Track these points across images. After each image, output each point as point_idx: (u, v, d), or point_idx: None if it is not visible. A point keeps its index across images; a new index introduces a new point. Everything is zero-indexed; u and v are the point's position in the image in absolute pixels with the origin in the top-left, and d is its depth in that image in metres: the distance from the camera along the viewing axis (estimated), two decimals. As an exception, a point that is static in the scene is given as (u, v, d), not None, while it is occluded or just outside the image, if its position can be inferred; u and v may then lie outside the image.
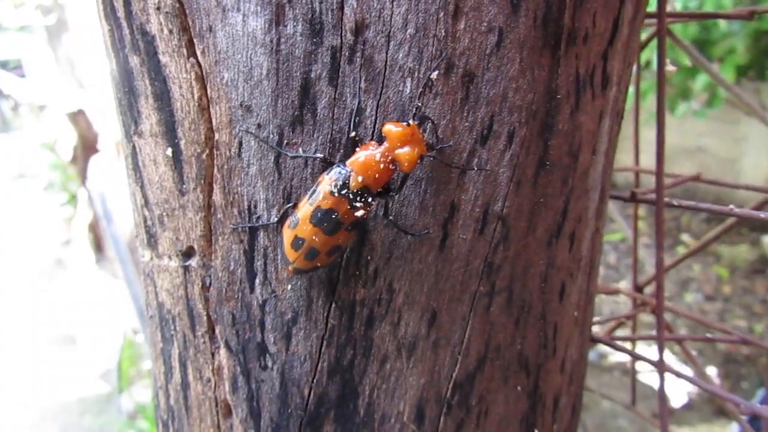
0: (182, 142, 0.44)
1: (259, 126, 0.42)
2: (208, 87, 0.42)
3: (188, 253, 0.47)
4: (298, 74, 0.40)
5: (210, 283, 0.46)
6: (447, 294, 0.46)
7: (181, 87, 0.42)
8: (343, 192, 0.41)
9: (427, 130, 0.42)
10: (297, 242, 0.42)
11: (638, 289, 0.92)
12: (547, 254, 0.49)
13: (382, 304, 0.46)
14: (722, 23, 2.63)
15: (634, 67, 0.84)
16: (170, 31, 0.42)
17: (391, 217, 0.43)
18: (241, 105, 0.41)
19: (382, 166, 0.42)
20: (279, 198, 0.43)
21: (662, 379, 0.67)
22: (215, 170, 0.43)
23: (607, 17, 0.44)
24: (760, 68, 3.09)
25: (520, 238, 0.47)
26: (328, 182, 0.42)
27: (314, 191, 0.42)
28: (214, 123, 0.42)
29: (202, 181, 0.44)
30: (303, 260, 0.43)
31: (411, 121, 0.41)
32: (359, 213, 0.42)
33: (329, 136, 0.42)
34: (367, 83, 0.40)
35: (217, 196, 0.44)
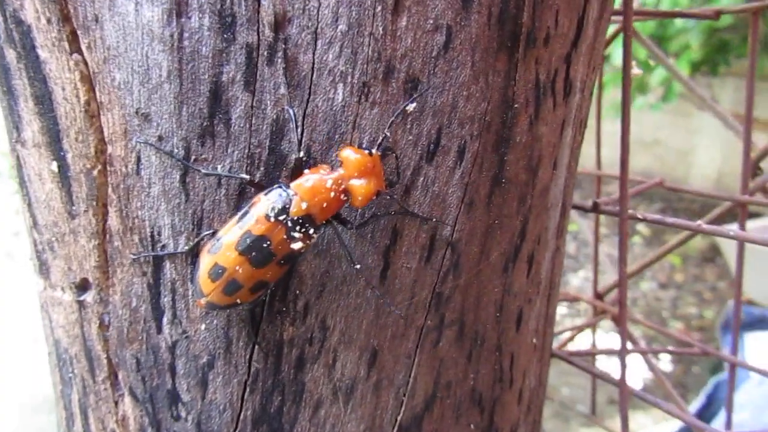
0: (69, 156, 0.36)
1: (160, 138, 0.34)
2: (96, 89, 0.34)
3: (83, 286, 0.39)
4: (207, 77, 0.33)
5: (109, 322, 0.39)
6: (389, 330, 0.40)
7: (64, 89, 0.35)
8: (281, 218, 0.35)
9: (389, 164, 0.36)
10: (216, 271, 0.36)
11: (599, 296, 0.88)
12: (502, 281, 0.44)
13: (314, 344, 0.39)
14: (678, 20, 2.66)
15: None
16: (48, 21, 0.34)
17: (354, 265, 0.38)
18: (137, 112, 0.34)
19: (332, 194, 0.36)
20: (187, 224, 0.36)
21: (624, 397, 0.63)
22: (110, 190, 0.36)
23: (570, 16, 0.38)
24: (712, 64, 3.14)
25: (472, 266, 0.42)
26: (264, 204, 0.35)
27: (246, 213, 0.35)
28: (105, 133, 0.35)
29: (95, 203, 0.36)
30: (220, 293, 0.36)
31: (374, 150, 0.35)
32: (296, 245, 0.36)
33: (246, 150, 0.35)
34: (290, 89, 0.34)
35: (114, 221, 0.37)
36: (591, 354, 0.72)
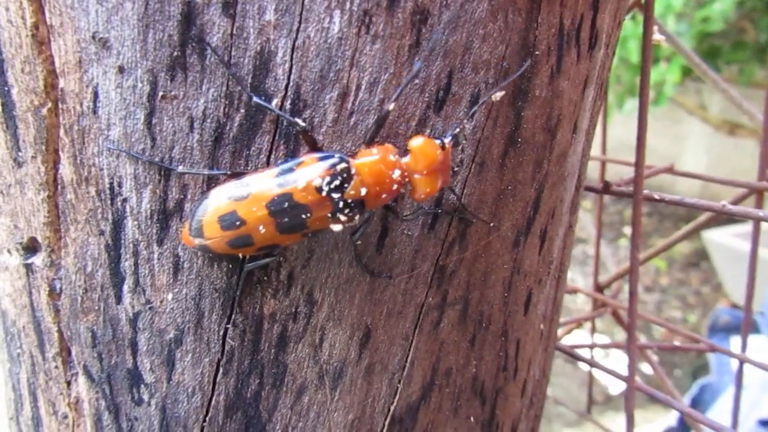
0: (14, 91, 0.31)
1: (121, 69, 0.29)
2: (46, 10, 0.29)
3: (31, 247, 0.34)
4: (178, -4, 0.28)
5: (61, 289, 0.34)
6: (385, 307, 0.35)
7: (8, 9, 0.29)
8: (335, 195, 0.30)
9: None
10: (231, 220, 0.30)
11: (599, 288, 0.84)
12: (512, 256, 0.39)
13: (299, 320, 0.34)
14: (670, 24, 2.64)
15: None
16: (-10, -76, 0.28)
17: (357, 241, 0.33)
18: (94, 38, 0.29)
19: (394, 186, 0.32)
20: (153, 174, 0.31)
21: (631, 394, 0.59)
22: (62, 132, 0.31)
23: (603, -50, 0.34)
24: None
25: (480, 236, 0.37)
26: (319, 172, 0.30)
27: (289, 170, 0.30)
28: (57, 64, 0.30)
29: (44, 148, 0.31)
30: (224, 244, 0.31)
31: (447, 142, 0.31)
32: (336, 227, 0.31)
33: (224, 88, 0.29)
34: (277, 15, 0.29)
35: (66, 170, 0.31)
36: (594, 347, 0.68)
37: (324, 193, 0.31)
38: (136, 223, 0.31)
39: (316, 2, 0.29)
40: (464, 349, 0.39)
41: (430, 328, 0.37)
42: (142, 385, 0.34)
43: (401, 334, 0.36)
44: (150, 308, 0.33)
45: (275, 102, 0.30)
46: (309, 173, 0.30)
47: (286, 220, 0.31)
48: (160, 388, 0.34)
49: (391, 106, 0.30)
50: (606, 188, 0.57)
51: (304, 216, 0.31)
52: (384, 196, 0.32)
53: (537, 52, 0.34)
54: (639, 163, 0.53)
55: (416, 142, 0.31)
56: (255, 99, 0.29)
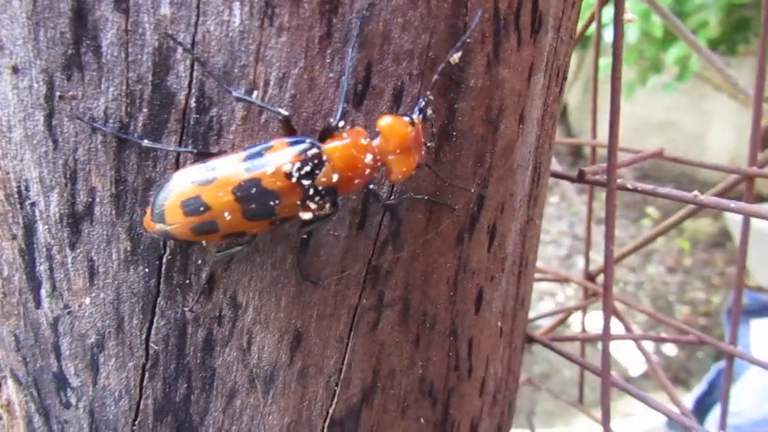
0: None
1: (15, 69, 0.28)
2: (-62, 8, 0.28)
3: (-49, 251, 0.33)
4: (68, -10, 0.27)
5: (-19, 293, 0.33)
6: (315, 309, 0.34)
7: None
8: (305, 182, 0.29)
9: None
10: (194, 205, 0.29)
11: (590, 277, 0.82)
12: (456, 254, 0.37)
13: (224, 324, 0.33)
14: (697, -5, 2.55)
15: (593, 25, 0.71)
16: None
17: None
18: (-15, 36, 0.28)
19: (367, 171, 0.30)
20: (58, 177, 0.30)
21: (607, 389, 0.57)
22: (-34, 134, 0.30)
23: (536, -74, 0.31)
24: (730, 43, 3.02)
25: (416, 235, 0.35)
26: (289, 157, 0.29)
27: (258, 154, 0.29)
28: (-47, 63, 0.29)
29: (-49, 150, 0.30)
30: (187, 230, 0.29)
31: (415, 117, 0.30)
32: (306, 215, 0.30)
33: (124, 87, 0.28)
34: (173, 9, 0.27)
35: (-26, 172, 0.30)
36: (573, 340, 0.66)
37: (294, 180, 0.29)
38: (46, 227, 0.31)
39: (213, -7, 0.27)
40: (408, 350, 0.38)
41: (367, 329, 0.36)
42: (69, 389, 0.34)
43: (335, 336, 0.35)
44: (69, 312, 0.32)
45: (179, 99, 0.28)
46: (279, 158, 0.29)
47: (254, 206, 0.29)
48: (87, 392, 0.34)
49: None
50: (581, 177, 0.54)
51: (272, 203, 0.29)
52: (357, 181, 0.31)
53: (469, 40, 0.32)
54: (612, 152, 0.50)
55: (385, 121, 0.30)
56: (234, 93, 0.28)
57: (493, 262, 0.40)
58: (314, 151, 0.29)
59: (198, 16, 0.27)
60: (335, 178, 0.30)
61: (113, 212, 0.30)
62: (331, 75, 0.29)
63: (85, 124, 0.29)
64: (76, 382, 0.34)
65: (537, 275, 0.90)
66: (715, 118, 3.83)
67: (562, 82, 0.42)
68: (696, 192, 0.45)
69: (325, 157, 0.30)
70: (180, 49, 0.28)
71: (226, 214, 0.29)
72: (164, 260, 0.31)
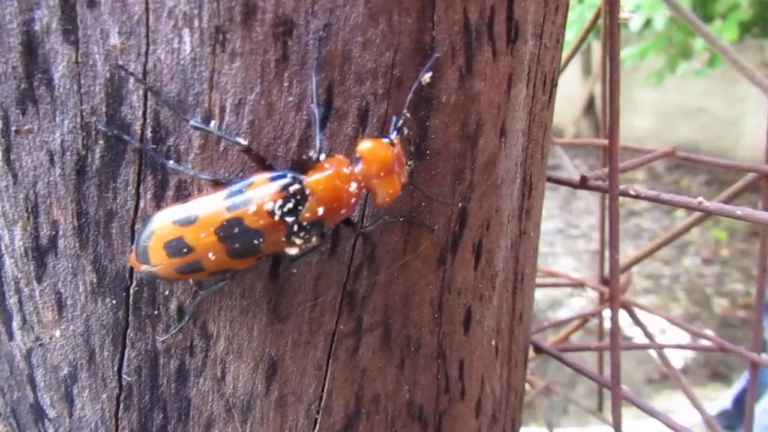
0: None
1: (-31, 105, 0.28)
2: None
3: (-72, 284, 0.33)
4: (15, 25, 0.26)
5: (-43, 327, 0.33)
6: (289, 337, 0.33)
7: None
8: (288, 219, 0.28)
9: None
10: (177, 246, 0.28)
11: (605, 281, 0.79)
12: (438, 276, 0.36)
13: (196, 354, 0.32)
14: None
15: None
16: None
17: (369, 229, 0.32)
18: (-61, 74, 0.27)
19: (352, 200, 0.29)
20: (20, 211, 0.29)
21: (617, 401, 0.55)
22: (-71, 171, 0.30)
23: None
24: (764, 25, 2.91)
25: (393, 258, 0.34)
26: (269, 193, 0.28)
27: (238, 192, 0.28)
28: None
29: None
30: (173, 270, 0.29)
31: (394, 137, 0.29)
32: (292, 250, 0.29)
33: (78, 119, 0.28)
34: (122, 38, 0.26)
35: (-59, 208, 0.30)
36: (583, 349, 0.63)
37: (277, 217, 0.28)
38: (13, 260, 0.30)
39: (161, 22, 0.26)
40: (392, 374, 0.37)
41: (347, 355, 0.35)
42: (46, 420, 0.34)
43: (313, 363, 0.34)
44: (40, 345, 0.32)
45: (135, 129, 0.28)
46: (260, 195, 0.28)
47: (238, 245, 0.28)
48: (64, 423, 0.34)
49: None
50: (583, 182, 0.52)
51: (256, 241, 0.28)
52: (343, 211, 0.30)
53: (437, 55, 0.30)
54: (613, 157, 0.48)
55: (365, 145, 0.29)
56: (192, 122, 0.27)
57: (482, 281, 0.39)
58: (296, 186, 0.28)
59: (148, 45, 0.26)
60: (320, 211, 0.29)
61: (77, 245, 0.30)
62: (290, 99, 0.28)
63: (43, 158, 0.28)
64: (53, 413, 0.34)
65: (551, 280, 0.88)
66: (749, 103, 3.70)
67: (551, 88, 0.40)
68: (701, 198, 0.43)
69: (308, 191, 0.29)
70: (132, 79, 0.27)
71: (210, 254, 0.28)
72: (131, 291, 0.31)
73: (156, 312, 0.32)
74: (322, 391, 0.35)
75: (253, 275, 0.31)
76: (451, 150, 0.33)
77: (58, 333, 0.32)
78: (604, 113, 0.75)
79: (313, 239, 0.30)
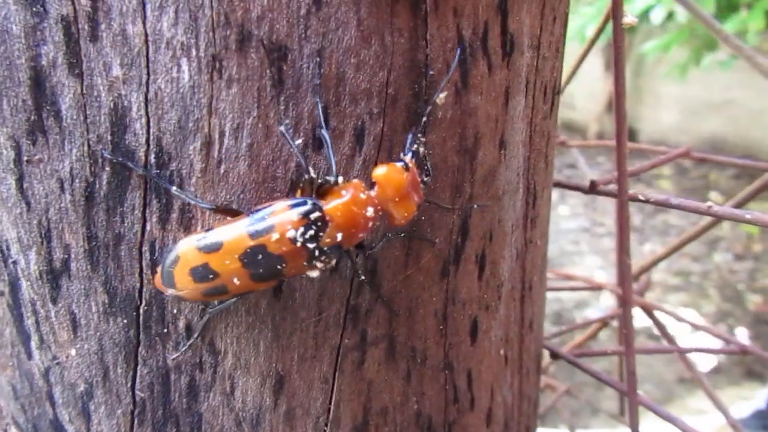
0: None
1: (-16, 138, 0.29)
2: None
3: (-48, 307, 0.35)
4: (23, 61, 0.27)
5: (-20, 346, 0.35)
6: (295, 352, 0.34)
7: None
8: (310, 245, 0.29)
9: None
10: (203, 273, 0.30)
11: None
12: (442, 287, 0.36)
13: (205, 370, 0.33)
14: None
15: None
16: None
17: (362, 278, 0.33)
18: (-45, 110, 0.29)
19: (369, 224, 0.30)
20: (34, 236, 0.31)
21: (633, 408, 0.54)
22: (-50, 200, 0.31)
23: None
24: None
25: (395, 272, 0.34)
26: (292, 222, 0.29)
27: (261, 219, 0.29)
28: (-68, 136, 0.30)
29: (-61, 215, 0.32)
30: (199, 294, 0.30)
31: (408, 161, 0.30)
32: (313, 273, 0.30)
33: (85, 147, 0.29)
34: (124, 69, 0.27)
35: (-39, 235, 0.32)
36: (596, 355, 0.63)
37: (299, 244, 0.29)
38: (28, 283, 0.32)
39: (160, 53, 0.27)
40: (399, 386, 0.37)
41: (353, 368, 0.35)
42: (66, 435, 0.35)
43: (319, 377, 0.35)
44: (57, 363, 0.33)
45: (139, 155, 0.29)
46: (282, 223, 0.29)
47: (261, 271, 0.30)
48: (82, 438, 0.35)
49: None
50: (592, 188, 0.52)
51: (279, 266, 0.30)
52: (360, 235, 0.31)
53: (432, 72, 0.31)
54: (621, 161, 0.48)
55: (380, 171, 0.30)
56: (281, 129, 0.29)
57: (487, 291, 0.39)
58: (317, 214, 0.29)
59: (148, 74, 0.27)
60: (339, 237, 0.30)
61: (88, 267, 0.31)
62: (287, 122, 0.29)
63: (54, 186, 0.29)
64: (71, 429, 0.35)
65: (569, 284, 0.87)
66: (778, 94, 3.59)
67: (553, 97, 0.40)
68: (710, 203, 0.42)
69: (327, 218, 0.30)
70: (135, 107, 0.28)
71: (234, 279, 0.30)
72: (141, 311, 0.32)
73: (165, 330, 0.33)
74: (330, 403, 0.36)
75: (258, 292, 0.32)
76: (449, 164, 0.33)
77: (73, 352, 0.33)
78: (618, 112, 0.74)
79: (332, 261, 0.31)
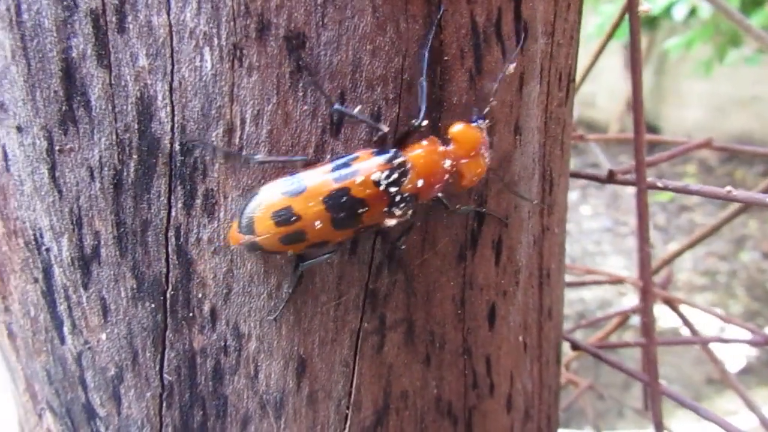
0: (-54, 156, 0.33)
1: (19, 129, 0.30)
2: (-48, 80, 0.31)
3: (-11, 294, 0.36)
4: (55, 53, 0.29)
5: (15, 332, 0.36)
6: (316, 335, 0.35)
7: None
8: (392, 189, 0.31)
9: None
10: (285, 215, 0.30)
11: (645, 277, 0.77)
12: (459, 272, 0.37)
13: (230, 353, 0.34)
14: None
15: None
16: None
17: (403, 247, 0.34)
18: (-8, 102, 0.30)
19: (445, 177, 0.32)
20: (66, 223, 0.32)
21: (657, 397, 0.54)
22: (-13, 190, 0.33)
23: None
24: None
25: (413, 256, 0.35)
26: (376, 166, 0.30)
27: (344, 164, 0.30)
28: (-29, 128, 0.32)
29: (-23, 205, 0.33)
30: (276, 240, 0.31)
31: (482, 123, 0.32)
32: (391, 221, 0.32)
33: (114, 136, 0.30)
34: (150, 59, 0.29)
35: (-3, 224, 0.33)
36: (618, 346, 0.62)
37: (382, 187, 0.31)
38: (61, 269, 0.33)
39: (184, 42, 0.28)
40: (418, 370, 0.38)
41: (373, 352, 0.36)
42: (98, 419, 0.36)
43: (340, 361, 0.36)
44: (89, 348, 0.35)
45: (165, 143, 0.30)
46: (367, 167, 0.30)
47: (343, 215, 0.31)
48: (113, 421, 0.36)
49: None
50: (610, 177, 0.52)
51: (360, 210, 0.31)
52: (437, 186, 0.33)
53: (446, 57, 0.31)
54: (639, 149, 0.48)
55: (457, 128, 0.32)
56: (336, 106, 0.30)
57: (504, 277, 0.39)
58: (400, 159, 0.31)
59: (173, 64, 0.29)
60: (420, 183, 0.31)
61: (117, 253, 0.32)
62: (306, 108, 0.30)
63: (84, 174, 0.31)
64: (103, 412, 0.36)
65: (590, 278, 0.87)
66: (806, 89, 3.52)
67: (567, 84, 0.40)
68: (729, 187, 0.42)
69: (409, 165, 0.31)
70: (160, 96, 0.29)
71: (316, 222, 0.30)
72: (168, 296, 0.33)
73: (191, 314, 0.34)
74: (351, 387, 0.36)
75: (279, 276, 0.33)
76: (465, 149, 0.34)
77: (104, 336, 0.34)
78: (635, 101, 0.73)
79: (409, 213, 0.32)
